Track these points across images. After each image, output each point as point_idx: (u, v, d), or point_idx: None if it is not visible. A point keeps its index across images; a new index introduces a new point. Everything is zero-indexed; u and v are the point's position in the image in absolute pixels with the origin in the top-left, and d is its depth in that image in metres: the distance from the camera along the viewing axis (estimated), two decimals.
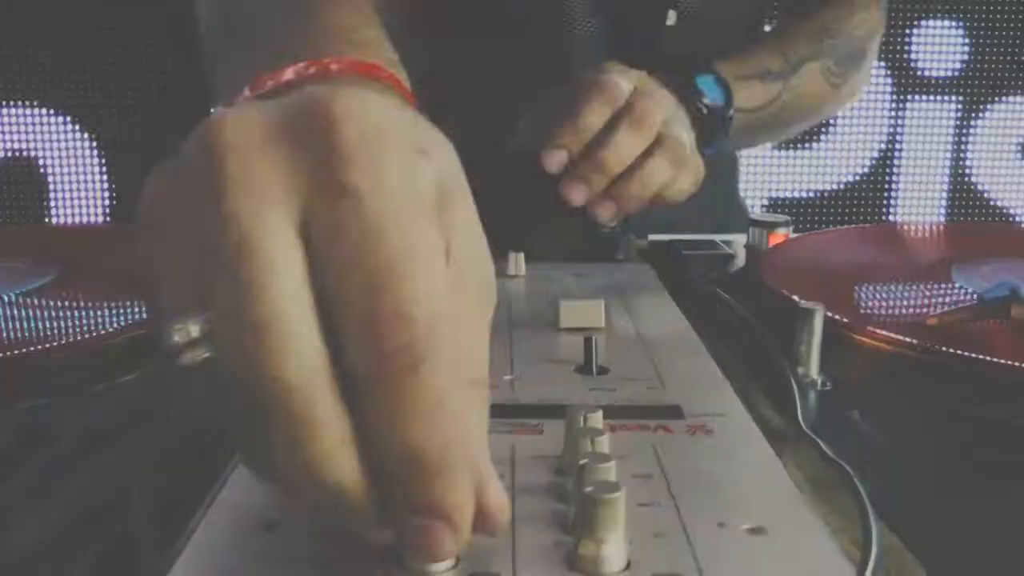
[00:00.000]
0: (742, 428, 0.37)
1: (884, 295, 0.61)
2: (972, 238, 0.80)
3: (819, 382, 0.45)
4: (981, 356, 0.46)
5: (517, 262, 0.61)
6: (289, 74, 0.33)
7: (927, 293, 0.59)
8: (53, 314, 0.53)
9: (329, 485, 0.24)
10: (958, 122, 1.76)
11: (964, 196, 1.80)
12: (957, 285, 0.59)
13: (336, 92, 0.26)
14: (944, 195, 1.79)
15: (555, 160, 0.59)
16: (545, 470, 0.33)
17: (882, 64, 1.73)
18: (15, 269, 0.61)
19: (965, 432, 0.44)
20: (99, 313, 0.52)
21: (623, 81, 0.62)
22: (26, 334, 0.49)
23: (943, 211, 1.80)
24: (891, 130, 1.77)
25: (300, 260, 0.24)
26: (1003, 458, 0.42)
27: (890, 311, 0.56)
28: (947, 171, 1.78)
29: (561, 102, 0.62)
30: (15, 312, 0.54)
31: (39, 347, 0.46)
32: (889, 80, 1.74)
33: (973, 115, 1.76)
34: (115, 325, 0.49)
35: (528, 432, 0.36)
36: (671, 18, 0.78)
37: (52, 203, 1.70)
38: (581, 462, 0.29)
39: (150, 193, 0.26)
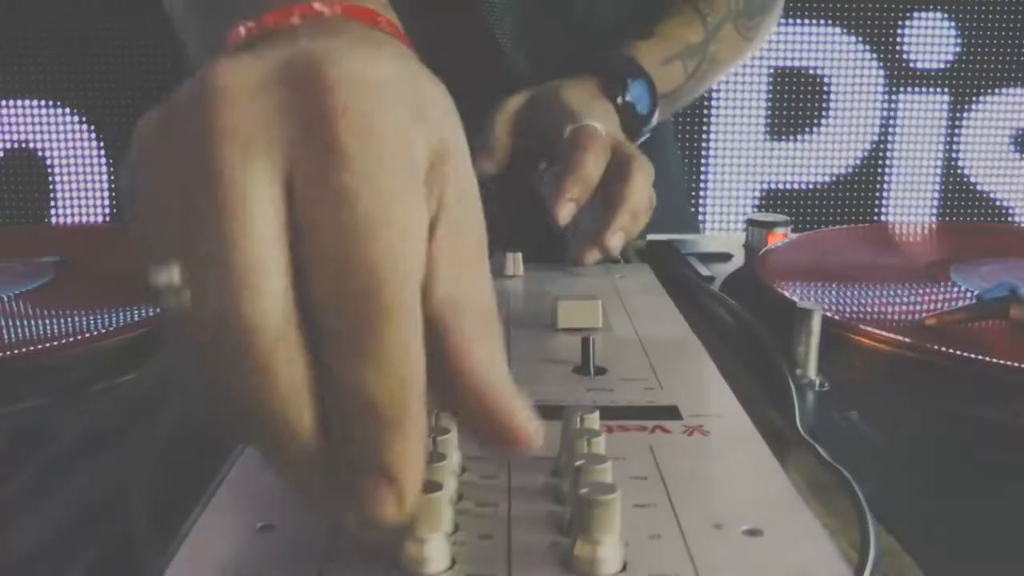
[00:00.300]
0: (740, 429, 0.37)
1: (883, 295, 0.61)
2: (971, 238, 0.80)
3: (817, 383, 0.46)
4: (980, 356, 0.46)
5: (515, 262, 0.61)
6: (268, 20, 0.32)
7: (926, 293, 0.59)
8: (53, 314, 0.53)
9: (286, 431, 0.25)
10: (951, 115, 1.77)
11: (957, 188, 1.81)
12: (956, 285, 0.59)
13: (331, 47, 0.26)
14: (937, 187, 1.80)
15: (567, 213, 0.62)
16: (542, 471, 0.33)
17: (874, 57, 1.74)
18: (15, 269, 0.61)
19: (964, 433, 0.44)
20: (98, 313, 0.52)
21: (598, 124, 0.66)
22: (26, 334, 0.49)
23: (936, 203, 1.80)
24: (883, 123, 1.77)
25: (281, 212, 0.24)
26: (1002, 459, 0.42)
27: (888, 311, 0.56)
28: (939, 163, 1.79)
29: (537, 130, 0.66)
30: (15, 312, 0.54)
31: (39, 347, 0.47)
32: (882, 73, 1.75)
33: (966, 108, 1.76)
34: (114, 325, 0.49)
35: None
36: None
37: (55, 197, 1.71)
38: (577, 463, 0.29)
39: (140, 134, 0.27)
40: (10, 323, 0.51)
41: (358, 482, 0.25)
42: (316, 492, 0.26)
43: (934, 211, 1.81)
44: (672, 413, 0.38)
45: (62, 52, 1.65)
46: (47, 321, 0.52)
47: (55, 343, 0.47)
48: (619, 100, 0.72)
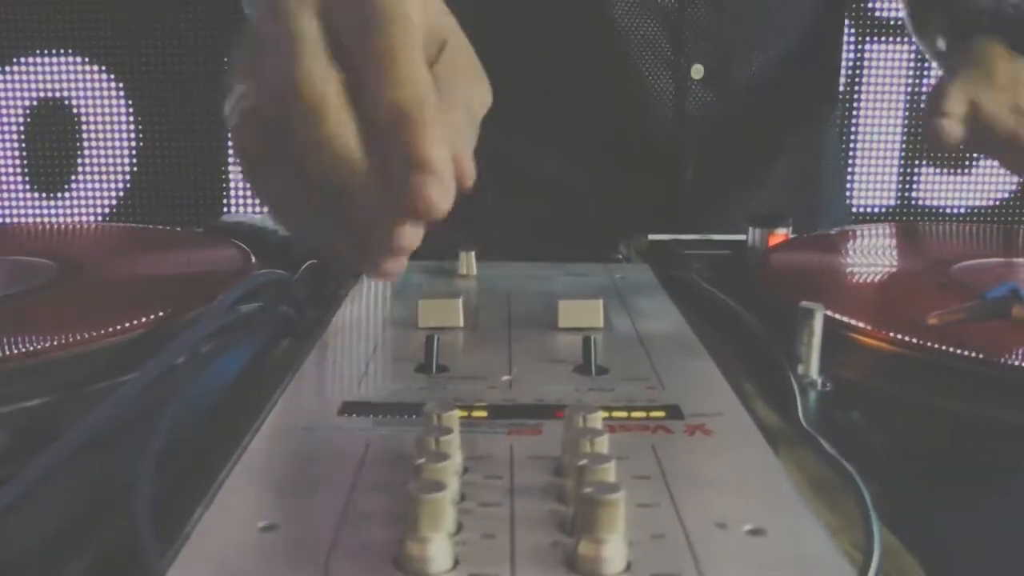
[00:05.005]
0: (742, 428, 0.37)
1: (884, 294, 0.61)
2: (973, 238, 0.80)
3: (819, 382, 0.45)
4: (982, 356, 0.46)
5: (468, 261, 0.61)
6: None
7: (928, 293, 0.59)
8: (53, 314, 0.53)
9: (339, 156, 0.35)
10: (915, 63, 1.81)
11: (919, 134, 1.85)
12: (958, 285, 0.59)
13: None
14: (900, 133, 1.84)
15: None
16: (544, 471, 0.33)
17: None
18: (14, 268, 0.61)
19: (965, 432, 0.44)
20: (99, 313, 0.52)
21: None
22: (26, 334, 0.49)
23: (900, 148, 1.83)
24: (851, 72, 1.81)
25: (320, 28, 0.36)
26: (1003, 458, 0.42)
27: (890, 310, 0.56)
28: (903, 109, 1.84)
29: None
30: (15, 311, 0.54)
31: (39, 347, 0.46)
32: (848, 24, 1.78)
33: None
34: (115, 325, 0.49)
35: (527, 432, 0.36)
36: (697, 72, 0.82)
37: (83, 151, 1.76)
38: (580, 463, 0.29)
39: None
40: (10, 323, 0.51)
41: (406, 178, 0.33)
42: (373, 218, 0.36)
43: (898, 157, 1.85)
44: (674, 412, 0.38)
45: (88, 6, 1.70)
46: (47, 321, 0.52)
47: (55, 343, 0.47)
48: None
